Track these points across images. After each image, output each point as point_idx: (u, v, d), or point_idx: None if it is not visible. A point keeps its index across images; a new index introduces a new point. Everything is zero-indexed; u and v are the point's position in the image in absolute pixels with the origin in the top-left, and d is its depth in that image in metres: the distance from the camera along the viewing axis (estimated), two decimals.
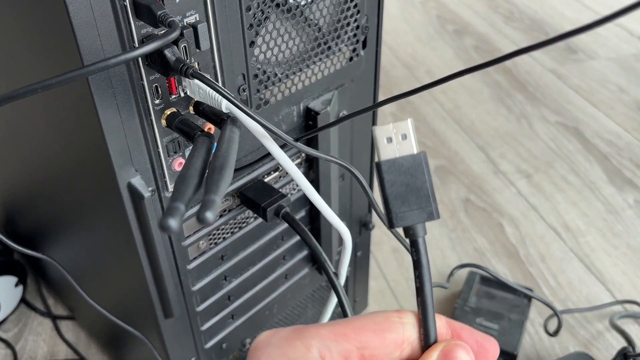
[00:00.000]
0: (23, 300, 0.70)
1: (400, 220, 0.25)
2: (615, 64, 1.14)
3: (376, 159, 0.25)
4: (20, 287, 0.69)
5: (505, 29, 1.27)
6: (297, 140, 0.34)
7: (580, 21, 1.28)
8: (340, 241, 0.54)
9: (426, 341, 0.26)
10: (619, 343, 0.65)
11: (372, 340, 0.25)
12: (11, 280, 0.67)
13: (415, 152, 0.25)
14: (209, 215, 0.19)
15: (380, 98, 1.02)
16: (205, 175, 0.26)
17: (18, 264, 0.68)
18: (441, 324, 0.26)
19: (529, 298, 0.68)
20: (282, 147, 0.36)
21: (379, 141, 0.25)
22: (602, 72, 1.12)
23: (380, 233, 0.80)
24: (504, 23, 1.29)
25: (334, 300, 0.45)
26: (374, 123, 0.52)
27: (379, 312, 0.26)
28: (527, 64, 1.15)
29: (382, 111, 1.04)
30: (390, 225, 0.26)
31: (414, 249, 0.26)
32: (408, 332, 0.25)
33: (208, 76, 0.31)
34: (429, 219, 0.25)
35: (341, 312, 0.55)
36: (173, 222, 0.19)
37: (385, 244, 0.79)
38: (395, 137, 0.25)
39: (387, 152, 0.25)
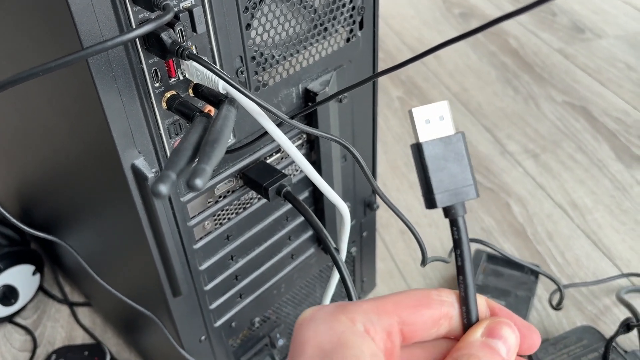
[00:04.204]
0: (41, 288, 0.72)
1: (441, 200, 0.25)
2: (623, 41, 1.14)
3: (414, 141, 0.26)
4: (38, 276, 0.71)
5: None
6: (292, 117, 0.35)
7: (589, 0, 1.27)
8: None
9: (469, 319, 0.26)
10: (626, 317, 0.65)
11: (410, 315, 0.25)
12: (29, 268, 0.69)
13: (453, 132, 0.25)
14: (198, 182, 0.21)
15: (388, 82, 1.03)
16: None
17: (35, 253, 0.70)
18: (482, 303, 0.26)
19: (536, 275, 0.69)
20: (280, 126, 0.37)
21: (417, 122, 0.25)
22: (610, 51, 1.11)
23: (387, 215, 0.81)
24: (510, 4, 1.29)
25: (337, 275, 0.46)
26: (374, 105, 0.53)
27: (419, 289, 0.26)
28: (534, 44, 1.15)
29: (389, 95, 1.05)
30: (432, 205, 0.26)
31: (455, 228, 0.26)
32: (446, 309, 0.26)
33: (205, 58, 0.33)
34: (469, 198, 0.25)
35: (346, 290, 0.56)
36: (163, 188, 0.21)
37: (393, 226, 0.80)
38: (433, 119, 0.25)
39: (425, 133, 0.25)
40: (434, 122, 0.25)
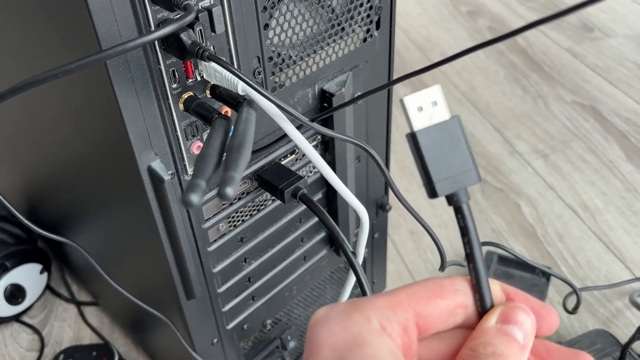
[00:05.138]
0: (48, 287, 0.72)
1: (442, 189, 0.24)
2: (632, 41, 1.13)
3: (409, 130, 0.24)
4: (45, 275, 0.70)
5: (520, 9, 1.26)
6: (312, 120, 0.35)
7: None
8: (358, 223, 0.55)
9: (483, 306, 0.25)
10: (639, 320, 0.65)
11: (425, 307, 0.24)
12: (36, 267, 0.69)
13: (448, 117, 0.24)
14: (229, 190, 0.20)
15: None
16: (224, 155, 0.27)
17: (42, 252, 0.70)
18: (496, 289, 0.26)
19: (548, 277, 0.68)
20: (298, 128, 0.36)
21: (410, 111, 0.24)
22: (619, 50, 1.11)
23: (397, 216, 0.80)
24: (518, 2, 1.28)
25: (352, 279, 0.45)
26: (389, 105, 0.52)
27: (431, 279, 0.25)
28: (542, 44, 1.14)
29: (397, 94, 1.04)
30: (433, 195, 0.25)
31: (460, 215, 0.25)
32: (460, 298, 0.25)
33: (224, 59, 0.32)
34: (471, 183, 0.24)
35: (360, 293, 0.55)
36: (194, 197, 0.20)
37: (403, 227, 0.79)
38: (426, 105, 0.24)
39: (419, 121, 0.24)
40: (427, 108, 0.24)
